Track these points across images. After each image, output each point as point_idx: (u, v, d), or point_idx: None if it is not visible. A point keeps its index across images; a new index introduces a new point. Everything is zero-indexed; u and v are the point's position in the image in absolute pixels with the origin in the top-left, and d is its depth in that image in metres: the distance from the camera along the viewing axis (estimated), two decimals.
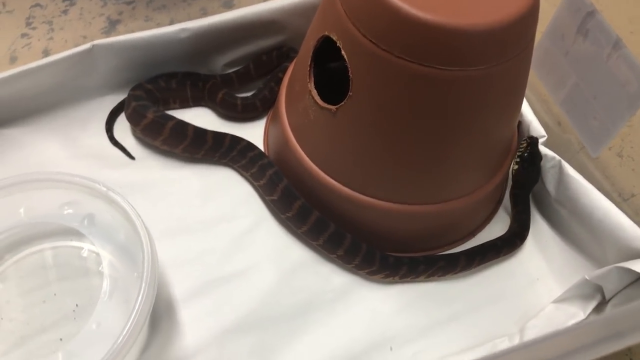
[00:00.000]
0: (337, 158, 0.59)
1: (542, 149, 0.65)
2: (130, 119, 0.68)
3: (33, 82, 0.68)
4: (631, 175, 0.68)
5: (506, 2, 0.49)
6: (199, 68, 0.74)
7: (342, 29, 0.52)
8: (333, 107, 0.55)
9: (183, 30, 0.69)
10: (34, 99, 0.69)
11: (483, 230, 0.67)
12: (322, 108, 0.56)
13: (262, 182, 0.64)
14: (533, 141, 0.64)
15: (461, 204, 0.61)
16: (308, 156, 0.61)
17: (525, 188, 0.66)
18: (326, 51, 0.56)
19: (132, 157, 0.69)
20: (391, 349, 0.59)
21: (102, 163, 0.68)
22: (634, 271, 0.54)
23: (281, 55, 0.74)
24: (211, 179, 0.68)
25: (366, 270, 0.61)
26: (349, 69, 0.52)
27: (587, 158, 0.67)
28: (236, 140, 0.67)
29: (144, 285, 0.51)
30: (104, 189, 0.56)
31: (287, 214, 0.61)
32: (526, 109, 0.68)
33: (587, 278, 0.58)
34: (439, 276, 0.62)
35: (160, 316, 0.59)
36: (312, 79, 0.58)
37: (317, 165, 0.61)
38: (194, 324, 0.58)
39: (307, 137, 0.61)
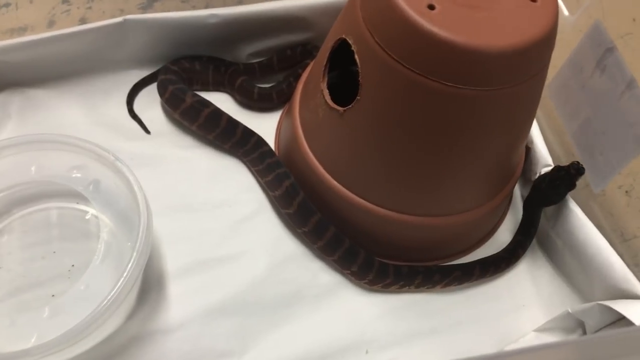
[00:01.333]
0: (340, 160, 0.60)
1: None
2: (168, 102, 0.70)
3: (63, 48, 0.70)
4: (637, 216, 0.68)
5: (523, 26, 0.50)
6: (225, 54, 0.75)
7: (358, 33, 0.53)
8: (341, 109, 0.57)
9: (212, 15, 0.71)
10: (62, 64, 0.72)
11: (479, 249, 0.68)
12: (331, 108, 0.58)
13: (269, 183, 0.65)
14: (573, 168, 0.60)
15: (459, 220, 0.61)
16: (314, 154, 0.62)
17: (537, 204, 0.65)
18: (348, 54, 0.57)
19: (147, 131, 0.71)
20: (367, 352, 0.60)
21: (118, 133, 0.70)
22: (616, 311, 0.54)
23: (305, 52, 0.75)
24: (220, 163, 0.69)
25: (380, 285, 0.62)
26: (360, 74, 0.53)
27: (592, 194, 0.67)
28: (261, 142, 0.68)
29: (135, 254, 0.53)
30: (112, 157, 0.58)
31: (304, 229, 0.62)
32: (537, 137, 0.68)
33: (570, 311, 0.58)
34: (455, 285, 0.63)
35: (150, 288, 0.61)
36: (326, 78, 0.59)
37: (321, 164, 0.62)
38: (180, 299, 0.60)
39: (314, 136, 0.62)
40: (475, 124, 0.53)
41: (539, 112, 0.72)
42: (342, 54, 0.58)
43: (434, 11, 0.49)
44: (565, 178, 0.61)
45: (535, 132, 0.68)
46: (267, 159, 0.65)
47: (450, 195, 0.60)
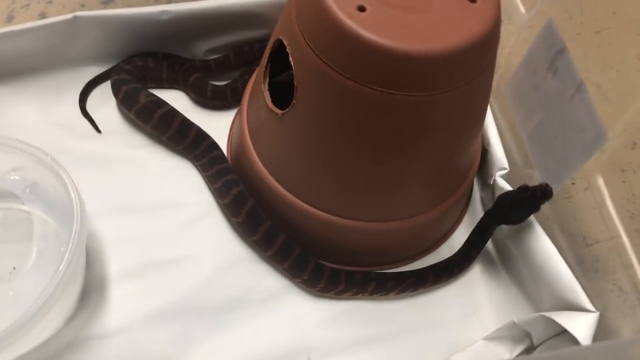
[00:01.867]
0: (282, 164, 0.59)
1: (500, 182, 0.63)
2: (122, 103, 0.69)
3: (16, 44, 0.69)
4: (601, 220, 0.66)
5: (459, 28, 0.47)
6: (181, 51, 0.74)
7: (291, 34, 0.51)
8: (280, 112, 0.55)
9: (165, 12, 0.69)
10: (15, 61, 0.71)
11: (433, 252, 0.66)
12: (271, 111, 0.56)
13: (218, 190, 0.63)
14: (539, 191, 0.57)
15: (406, 225, 0.60)
16: (259, 158, 0.61)
17: (496, 221, 0.62)
18: None
19: (98, 130, 0.70)
20: (309, 359, 0.58)
21: (69, 132, 0.69)
22: (559, 323, 0.52)
23: (263, 49, 0.72)
24: (171, 163, 0.68)
25: (332, 292, 0.60)
26: (295, 75, 0.52)
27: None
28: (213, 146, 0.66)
29: (64, 261, 0.52)
30: (50, 160, 0.57)
31: (253, 238, 0.61)
32: (495, 139, 0.66)
33: (516, 322, 0.56)
34: (409, 292, 0.62)
35: (91, 291, 0.60)
36: (267, 79, 0.58)
37: (266, 168, 0.60)
38: (121, 303, 0.59)
39: (258, 139, 0.61)
40: (412, 128, 0.51)
41: (498, 112, 0.70)
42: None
43: (363, 13, 0.47)
44: (529, 200, 0.57)
45: (492, 133, 0.66)
46: (217, 164, 0.64)
47: (395, 200, 0.58)
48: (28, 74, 0.72)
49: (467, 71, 0.49)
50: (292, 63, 0.51)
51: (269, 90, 0.58)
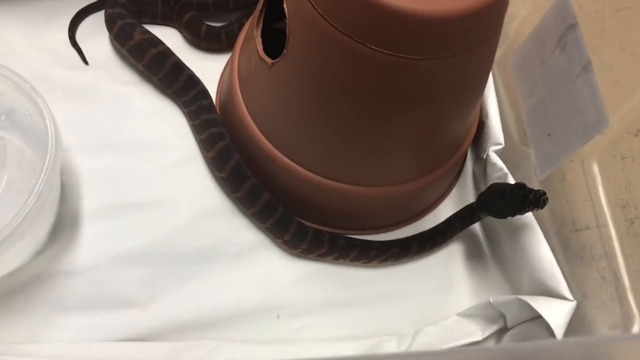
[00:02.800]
0: (268, 117, 0.57)
1: (493, 157, 0.61)
2: (116, 38, 0.66)
3: None
4: (593, 205, 0.64)
5: None
6: None
7: None
8: (270, 61, 0.52)
9: None
10: None
11: (417, 222, 0.64)
12: (261, 59, 0.53)
13: (203, 142, 0.61)
14: (534, 196, 0.53)
15: (392, 192, 0.58)
16: (247, 108, 0.59)
17: (482, 208, 0.58)
18: None
19: (86, 62, 0.67)
20: (278, 316, 0.57)
21: (55, 60, 0.67)
22: (534, 308, 0.51)
23: None
24: (158, 103, 0.66)
25: (314, 254, 0.59)
26: (287, 25, 0.49)
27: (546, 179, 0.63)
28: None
29: (33, 194, 0.50)
30: (28, 87, 0.55)
31: (237, 194, 0.59)
32: (493, 112, 0.63)
33: (491, 301, 0.55)
34: (391, 261, 0.60)
35: (63, 226, 0.59)
36: (260, 24, 0.55)
37: (253, 120, 0.58)
38: (92, 241, 0.58)
39: (247, 87, 0.58)
40: (405, 93, 0.48)
41: (500, 85, 0.67)
42: None
43: None
44: (519, 200, 0.53)
45: (492, 106, 0.64)
46: (204, 114, 0.61)
47: (381, 165, 0.56)
48: None
49: (469, 37, 0.46)
50: (285, 10, 0.49)
51: (266, 38, 0.55)
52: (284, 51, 0.50)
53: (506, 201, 0.54)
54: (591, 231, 0.61)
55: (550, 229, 0.61)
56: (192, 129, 0.64)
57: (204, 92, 0.63)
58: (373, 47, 0.45)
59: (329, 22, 0.45)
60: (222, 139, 0.59)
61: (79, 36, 0.69)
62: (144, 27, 0.65)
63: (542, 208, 0.53)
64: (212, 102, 0.63)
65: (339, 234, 0.60)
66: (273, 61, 0.52)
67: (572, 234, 0.61)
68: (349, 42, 0.45)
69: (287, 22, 0.49)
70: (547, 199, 0.53)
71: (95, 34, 0.69)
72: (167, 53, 0.63)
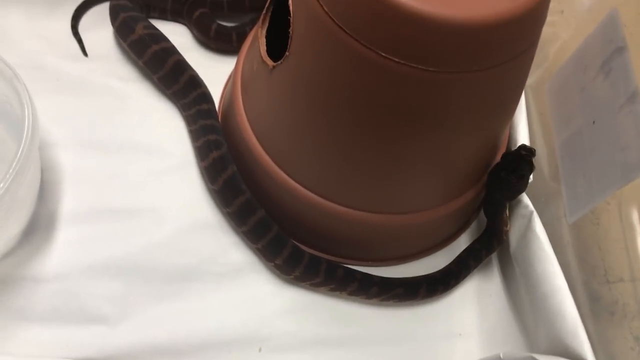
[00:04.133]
0: (268, 126, 0.51)
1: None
2: (118, 31, 0.61)
3: None
4: (628, 253, 0.56)
5: None
6: None
7: None
8: (271, 63, 0.47)
9: None
10: None
11: (430, 257, 0.58)
12: (263, 61, 0.48)
13: (198, 149, 0.56)
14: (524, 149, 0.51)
15: (401, 221, 0.52)
16: (247, 114, 0.53)
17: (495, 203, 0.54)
18: None
19: (85, 53, 0.63)
20: (260, 350, 0.51)
21: (53, 49, 0.62)
22: None
23: None
24: (156, 104, 0.61)
25: (308, 283, 0.53)
26: (291, 24, 0.43)
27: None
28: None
29: (1, 187, 0.45)
30: (11, 73, 0.50)
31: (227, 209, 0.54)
32: (524, 140, 0.56)
33: (502, 357, 0.48)
34: (393, 302, 0.54)
35: (37, 229, 0.54)
36: (266, 24, 0.49)
37: (252, 129, 0.53)
38: (65, 247, 0.53)
39: (249, 92, 0.53)
40: (421, 109, 0.42)
41: (534, 112, 0.61)
42: None
43: None
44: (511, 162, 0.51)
45: (522, 133, 0.57)
46: (202, 119, 0.56)
47: (392, 190, 0.49)
48: None
49: (498, 51, 0.40)
50: (290, 7, 0.43)
51: (275, 40, 0.50)
52: (286, 53, 0.44)
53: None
54: (625, 284, 0.54)
55: (577, 278, 0.54)
56: (189, 135, 0.59)
57: (205, 96, 0.58)
58: (385, 54, 0.39)
59: (336, 22, 0.39)
60: (218, 147, 0.53)
61: (82, 26, 0.65)
62: (148, 22, 0.60)
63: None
64: (214, 107, 0.57)
65: (338, 262, 0.53)
66: (274, 64, 0.46)
67: (603, 285, 0.54)
68: (357, 48, 0.39)
69: (291, 21, 0.43)
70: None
71: (100, 25, 0.65)
72: (170, 51, 0.59)
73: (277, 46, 0.49)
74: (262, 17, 0.50)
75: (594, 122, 0.47)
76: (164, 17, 0.65)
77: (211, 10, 0.65)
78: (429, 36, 0.38)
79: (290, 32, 0.43)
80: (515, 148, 0.52)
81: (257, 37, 0.50)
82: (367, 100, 0.42)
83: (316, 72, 0.43)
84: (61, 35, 0.63)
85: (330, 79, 0.43)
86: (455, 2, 0.38)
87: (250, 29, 0.63)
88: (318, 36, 0.41)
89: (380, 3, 0.37)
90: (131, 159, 0.57)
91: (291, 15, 0.43)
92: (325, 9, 0.40)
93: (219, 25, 0.63)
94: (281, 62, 0.45)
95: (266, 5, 0.49)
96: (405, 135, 0.44)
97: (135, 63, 0.62)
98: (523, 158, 0.51)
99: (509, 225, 0.55)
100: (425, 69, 0.39)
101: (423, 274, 0.55)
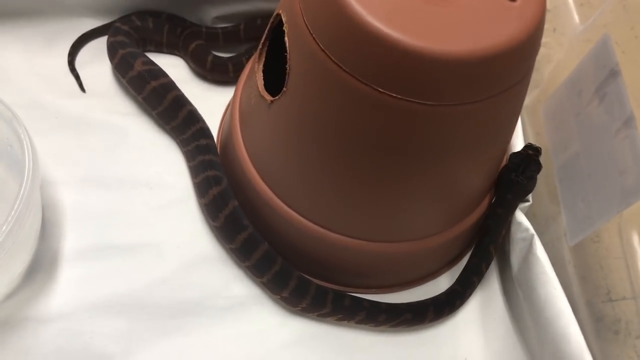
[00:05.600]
0: (267, 160, 0.51)
1: (518, 216, 0.54)
2: (117, 68, 0.62)
3: None
4: (630, 272, 0.56)
5: (492, 29, 0.39)
6: (189, 14, 0.67)
7: (290, 10, 0.43)
8: (270, 98, 0.47)
9: None
10: (6, 1, 0.64)
11: (426, 284, 0.58)
12: (261, 96, 0.48)
13: (197, 185, 0.56)
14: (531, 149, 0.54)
15: (398, 249, 0.52)
16: (246, 147, 0.53)
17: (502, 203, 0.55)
18: None
19: (83, 90, 0.63)
20: None
21: (50, 86, 0.63)
22: None
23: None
24: (154, 137, 0.61)
25: (315, 314, 0.53)
26: (288, 59, 0.44)
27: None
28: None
29: (4, 229, 0.45)
30: (10, 115, 0.51)
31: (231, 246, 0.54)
32: None
33: None
34: (403, 328, 0.54)
35: (40, 267, 0.54)
36: (263, 59, 0.50)
37: (252, 162, 0.53)
38: (68, 286, 0.53)
39: (247, 125, 0.53)
40: (418, 142, 0.43)
41: (530, 134, 0.61)
42: None
43: None
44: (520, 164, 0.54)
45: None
46: (200, 155, 0.56)
47: (394, 220, 0.50)
48: (18, 17, 0.65)
49: (494, 82, 0.40)
50: (287, 44, 0.43)
51: (270, 72, 0.50)
52: (284, 89, 0.45)
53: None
54: (628, 302, 0.54)
55: (580, 298, 0.54)
56: (188, 171, 0.59)
57: (204, 131, 0.58)
58: (382, 90, 0.39)
59: (332, 59, 0.40)
60: (218, 183, 0.54)
61: (79, 62, 0.65)
62: (147, 57, 0.60)
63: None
64: (213, 142, 0.58)
65: (343, 292, 0.54)
66: (272, 99, 0.47)
67: (606, 304, 0.54)
68: (354, 83, 0.40)
69: (288, 56, 0.44)
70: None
71: (96, 60, 0.65)
72: (168, 86, 0.59)
73: (274, 79, 0.49)
74: (258, 51, 0.50)
75: (591, 147, 0.48)
76: (160, 50, 0.66)
77: (206, 41, 0.65)
78: (426, 71, 0.38)
79: (287, 68, 0.44)
80: (522, 148, 0.54)
81: (254, 71, 0.50)
82: (364, 133, 0.43)
83: (315, 107, 0.43)
84: (59, 71, 0.64)
85: (329, 114, 0.43)
86: (451, 37, 0.38)
87: (246, 60, 0.63)
88: (315, 72, 0.42)
89: (377, 41, 0.37)
90: (132, 194, 0.57)
91: (287, 51, 0.43)
92: (321, 46, 0.40)
93: (215, 56, 0.64)
94: (279, 97, 0.46)
95: (262, 41, 0.50)
96: (405, 166, 0.44)
97: (133, 97, 0.63)
98: (530, 158, 0.53)
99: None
100: (423, 102, 0.39)
101: (428, 296, 0.55)
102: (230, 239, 0.52)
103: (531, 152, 0.54)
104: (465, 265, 0.56)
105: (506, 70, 0.40)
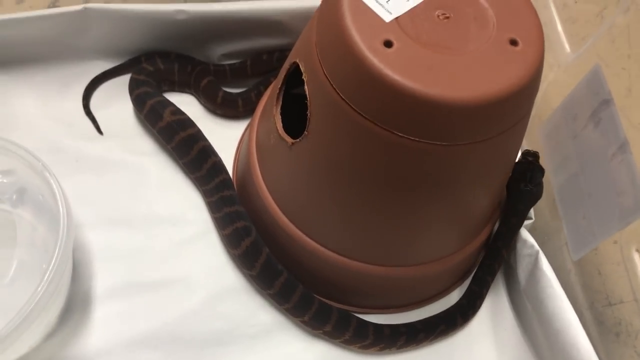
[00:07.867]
0: (288, 195, 0.54)
1: (523, 233, 0.58)
2: (147, 119, 0.64)
3: (22, 32, 0.65)
4: (627, 276, 0.60)
5: (494, 75, 0.42)
6: (196, 53, 0.70)
7: (309, 60, 0.46)
8: (290, 140, 0.50)
9: (180, 12, 0.65)
10: (20, 49, 0.67)
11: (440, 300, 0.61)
12: (281, 138, 0.51)
13: (228, 237, 0.58)
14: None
15: (413, 272, 0.55)
16: (265, 183, 0.56)
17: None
18: None
19: (100, 132, 0.66)
20: None
21: (68, 130, 0.65)
22: None
23: (282, 59, 0.67)
24: (173, 175, 0.64)
25: (357, 345, 0.56)
26: (309, 106, 0.47)
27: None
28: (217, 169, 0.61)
29: (43, 282, 0.48)
30: (40, 166, 0.53)
31: (269, 292, 0.56)
32: None
33: None
34: (440, 339, 0.58)
35: (74, 308, 0.56)
36: (280, 102, 0.53)
37: (271, 195, 0.56)
38: (104, 324, 0.56)
39: (266, 162, 0.56)
40: (431, 178, 0.46)
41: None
42: None
43: (390, 49, 0.42)
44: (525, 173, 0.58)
45: None
46: (226, 207, 0.57)
47: (410, 246, 0.53)
48: (32, 64, 0.68)
49: (499, 122, 0.44)
50: (307, 92, 0.47)
51: (284, 104, 0.53)
52: (305, 132, 0.48)
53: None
54: (626, 305, 0.58)
55: (582, 304, 0.58)
56: (213, 222, 0.61)
57: (227, 182, 0.59)
58: (400, 134, 0.43)
59: (352, 107, 0.43)
60: (249, 234, 0.56)
61: (94, 104, 0.67)
62: (174, 106, 0.62)
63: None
64: (235, 193, 0.59)
65: (359, 312, 0.57)
66: (293, 141, 0.50)
67: (606, 308, 0.58)
68: (374, 129, 0.43)
69: (309, 103, 0.47)
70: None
71: (110, 101, 0.68)
72: (195, 137, 0.61)
73: (288, 118, 0.53)
74: (275, 96, 0.53)
75: (589, 168, 0.51)
76: (172, 88, 0.69)
77: (215, 77, 0.68)
78: (441, 116, 0.41)
79: (308, 114, 0.47)
80: (520, 156, 0.59)
81: (271, 113, 0.53)
82: (384, 172, 0.46)
83: (335, 150, 0.47)
84: (75, 115, 0.66)
85: (349, 156, 0.46)
86: (462, 84, 0.41)
87: (255, 95, 0.66)
88: (337, 118, 0.45)
89: (395, 91, 0.41)
90: (156, 231, 0.60)
91: (308, 99, 0.47)
92: (342, 96, 0.43)
93: (225, 92, 0.67)
94: (300, 140, 0.49)
95: (279, 85, 0.53)
96: (422, 200, 0.48)
97: (149, 136, 0.65)
98: (533, 165, 0.57)
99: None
100: (438, 143, 0.43)
101: (440, 310, 0.59)
102: (268, 285, 0.55)
103: (531, 159, 0.57)
104: (478, 266, 0.59)
105: (513, 109, 0.44)
